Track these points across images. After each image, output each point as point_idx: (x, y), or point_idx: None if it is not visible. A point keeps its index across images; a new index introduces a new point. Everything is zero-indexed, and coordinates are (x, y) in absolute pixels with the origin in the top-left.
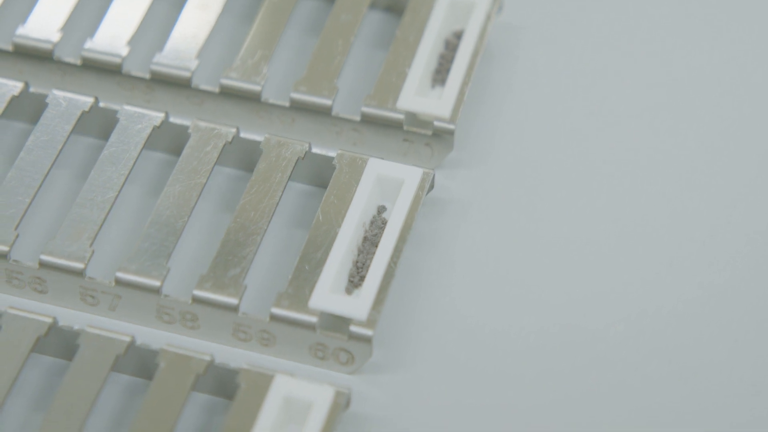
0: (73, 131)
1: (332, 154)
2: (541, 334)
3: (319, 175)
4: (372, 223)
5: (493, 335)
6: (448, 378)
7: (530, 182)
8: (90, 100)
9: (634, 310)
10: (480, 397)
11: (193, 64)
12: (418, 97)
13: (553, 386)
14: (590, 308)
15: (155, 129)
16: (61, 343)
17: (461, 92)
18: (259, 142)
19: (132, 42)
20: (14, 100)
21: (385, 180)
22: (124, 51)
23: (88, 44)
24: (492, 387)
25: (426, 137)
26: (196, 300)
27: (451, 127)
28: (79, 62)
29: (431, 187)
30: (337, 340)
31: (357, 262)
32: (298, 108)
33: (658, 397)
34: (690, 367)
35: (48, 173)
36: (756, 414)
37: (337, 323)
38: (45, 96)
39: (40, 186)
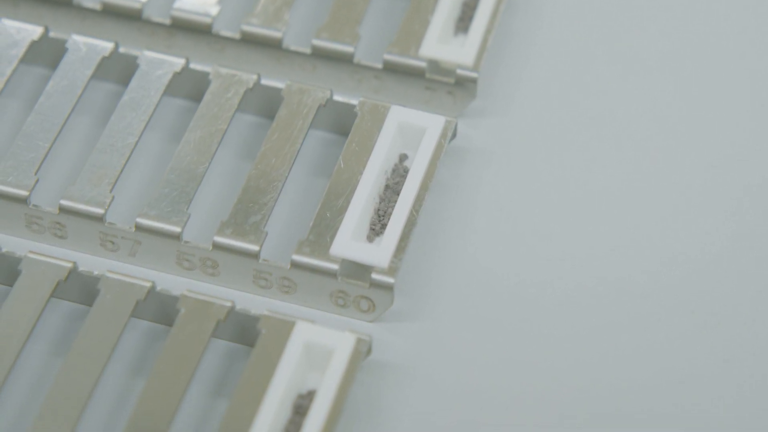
0: (93, 76)
1: (354, 101)
2: (562, 285)
3: (341, 122)
4: (393, 171)
5: (514, 286)
6: (468, 327)
7: (553, 132)
8: (110, 45)
9: (656, 261)
10: (499, 348)
11: (214, 9)
12: (441, 44)
13: (573, 338)
14: (613, 259)
15: (176, 75)
16: (80, 288)
17: (484, 40)
18: (280, 89)
19: None
20: (34, 45)
21: (407, 128)
22: None
23: None
24: (512, 337)
25: (448, 85)
26: (217, 246)
27: (474, 74)
28: (99, 7)
29: (453, 135)
30: (358, 288)
31: (378, 210)
32: (320, 55)
33: (682, 348)
34: (714, 316)
35: (68, 118)
36: None
37: (358, 271)
38: (65, 41)
39: (60, 131)
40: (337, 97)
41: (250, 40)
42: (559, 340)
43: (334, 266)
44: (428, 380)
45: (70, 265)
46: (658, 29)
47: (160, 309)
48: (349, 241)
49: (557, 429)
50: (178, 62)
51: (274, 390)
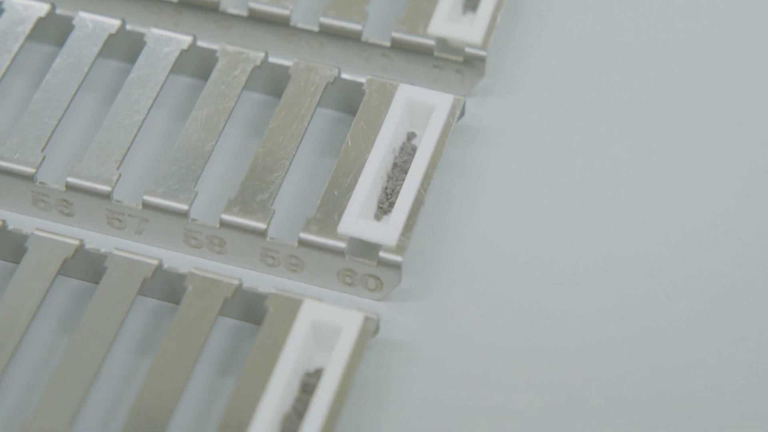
0: (99, 54)
1: (362, 79)
2: (570, 264)
3: (348, 100)
4: (402, 149)
5: (522, 265)
6: (476, 307)
7: (562, 111)
8: (117, 22)
9: (665, 240)
10: (507, 327)
11: None
12: (450, 22)
13: (581, 317)
14: (622, 238)
15: (183, 52)
16: (87, 266)
17: (493, 18)
18: (287, 67)
19: None
20: (40, 22)
21: (416, 106)
22: None
23: None
24: (519, 317)
25: (457, 64)
26: (224, 224)
27: (483, 53)
28: None
29: (462, 114)
30: (365, 266)
31: (386, 188)
32: (328, 33)
33: (691, 327)
34: (723, 295)
35: (74, 96)
36: None
37: (365, 249)
38: (71, 18)
39: (67, 108)
40: (345, 75)
41: (257, 18)
42: (567, 319)
43: (342, 244)
44: (436, 359)
45: (77, 242)
46: (672, 9)
47: (167, 287)
48: (357, 220)
49: (565, 409)
50: (186, 40)
51: (282, 368)
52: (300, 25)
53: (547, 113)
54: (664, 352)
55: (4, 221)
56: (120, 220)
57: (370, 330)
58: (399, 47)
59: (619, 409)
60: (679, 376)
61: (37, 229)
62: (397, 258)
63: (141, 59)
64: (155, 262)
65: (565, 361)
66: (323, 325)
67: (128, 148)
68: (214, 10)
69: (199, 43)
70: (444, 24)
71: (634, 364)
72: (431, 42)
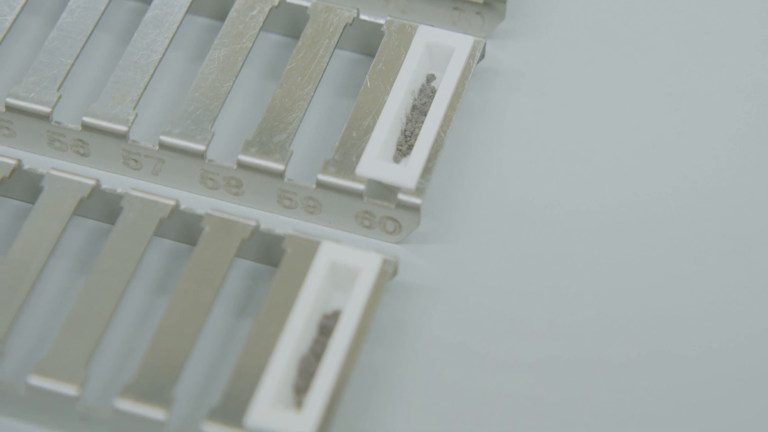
0: None
1: (381, 20)
2: (590, 209)
3: (367, 42)
4: (421, 91)
5: (541, 209)
6: (494, 251)
7: (582, 55)
8: None
9: (688, 185)
10: (525, 272)
11: None
12: None
13: (601, 262)
14: (643, 182)
15: None
16: (103, 206)
17: None
18: (306, 7)
19: None
20: None
21: (435, 47)
22: None
23: None
24: (538, 262)
25: (477, 5)
26: (241, 165)
27: None
28: None
29: (482, 56)
30: (384, 208)
31: (405, 130)
32: None
33: (711, 274)
34: (746, 240)
35: (90, 35)
36: None
37: (384, 192)
38: None
39: (83, 47)
40: (364, 17)
41: None
42: (588, 264)
43: (360, 186)
44: (454, 303)
45: (93, 182)
46: None
47: (184, 228)
48: (376, 161)
49: (582, 356)
50: None
51: (300, 309)
52: None
53: (568, 56)
54: (686, 299)
55: (19, 161)
56: (136, 161)
57: (388, 272)
58: None
59: (635, 355)
60: (702, 324)
61: (52, 168)
62: (416, 200)
63: None
64: (172, 202)
65: (584, 307)
66: (341, 266)
67: (144, 88)
68: None
69: None
70: None
71: (653, 310)
72: None
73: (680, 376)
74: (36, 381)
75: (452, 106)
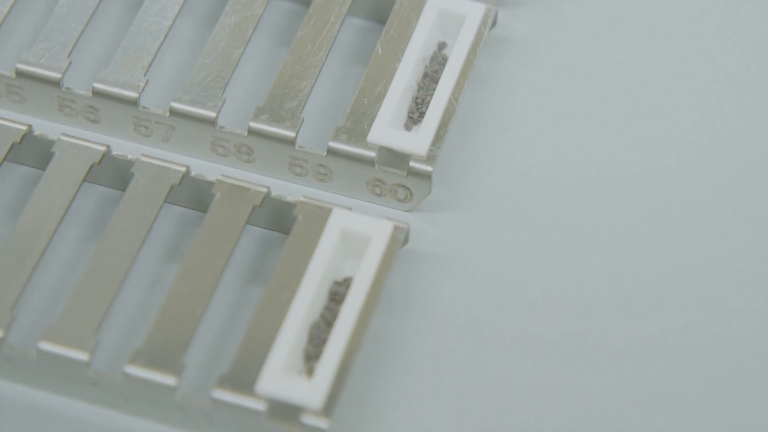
0: None
1: None
2: (601, 177)
3: (378, 9)
4: (432, 59)
5: (552, 179)
6: (505, 219)
7: (596, 24)
8: None
9: (700, 154)
10: (535, 240)
11: None
12: None
13: (612, 231)
14: (655, 152)
15: None
16: (114, 172)
17: None
18: None
19: None
20: None
21: (447, 15)
22: None
23: None
24: (548, 230)
25: None
26: (252, 132)
27: None
28: None
29: (494, 24)
30: (395, 176)
31: (417, 98)
32: None
33: (722, 243)
34: (757, 212)
35: (101, 1)
36: None
37: (395, 159)
38: None
39: (93, 13)
40: None
41: None
42: (598, 234)
43: (372, 153)
44: (464, 271)
45: (103, 148)
46: None
47: (195, 194)
48: (387, 129)
49: (593, 326)
50: None
51: (311, 276)
52: None
53: (581, 27)
54: (695, 265)
55: (30, 126)
56: (147, 127)
57: (399, 239)
58: None
59: (648, 322)
60: (714, 292)
61: (63, 134)
62: (428, 168)
63: None
64: (183, 168)
65: (594, 274)
66: (353, 233)
67: (155, 55)
68: None
69: None
70: None
71: (663, 279)
72: None
73: (697, 347)
74: (47, 346)
75: (464, 74)
